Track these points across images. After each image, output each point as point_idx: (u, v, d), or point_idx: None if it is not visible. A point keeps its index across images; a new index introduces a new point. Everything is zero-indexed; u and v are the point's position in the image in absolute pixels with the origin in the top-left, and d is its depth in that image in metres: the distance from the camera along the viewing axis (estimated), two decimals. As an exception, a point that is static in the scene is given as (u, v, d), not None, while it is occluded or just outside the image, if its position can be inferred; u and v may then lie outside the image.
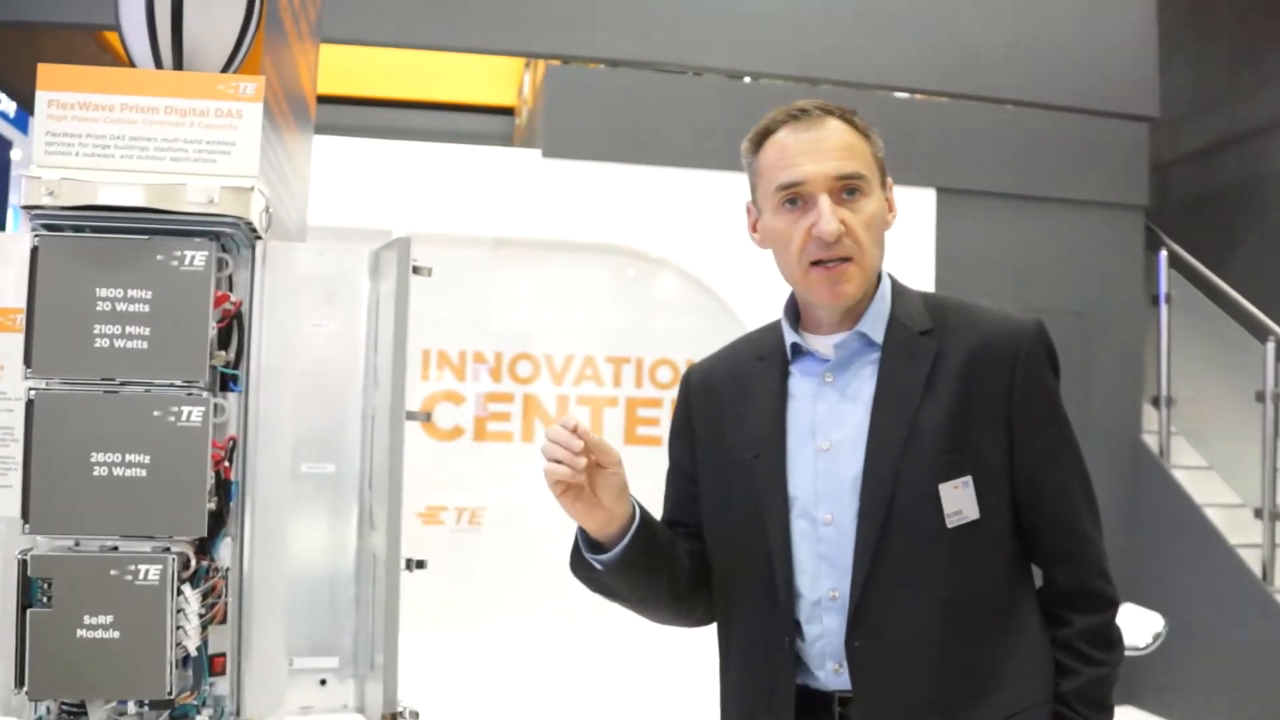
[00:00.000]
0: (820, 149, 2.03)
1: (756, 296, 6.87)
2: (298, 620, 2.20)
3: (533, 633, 6.57)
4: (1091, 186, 7.60)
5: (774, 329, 2.24)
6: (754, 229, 2.20)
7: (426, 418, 2.34)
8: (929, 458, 2.00)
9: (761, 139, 2.12)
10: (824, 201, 2.00)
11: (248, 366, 2.05)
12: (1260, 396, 6.77)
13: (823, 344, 2.12)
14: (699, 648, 6.43)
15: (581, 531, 2.10)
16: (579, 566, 2.14)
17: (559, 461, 1.95)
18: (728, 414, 2.19)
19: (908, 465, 2.00)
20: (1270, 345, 6.79)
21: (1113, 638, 2.12)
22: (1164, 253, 7.78)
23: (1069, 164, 7.60)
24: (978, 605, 2.03)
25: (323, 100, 7.40)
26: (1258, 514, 6.75)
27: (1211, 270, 7.80)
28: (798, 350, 2.15)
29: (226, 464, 2.00)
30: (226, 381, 2.02)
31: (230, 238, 2.00)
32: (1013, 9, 7.63)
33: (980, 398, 2.04)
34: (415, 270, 2.16)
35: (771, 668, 2.06)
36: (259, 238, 2.06)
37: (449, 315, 6.65)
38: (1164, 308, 7.70)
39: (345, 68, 7.69)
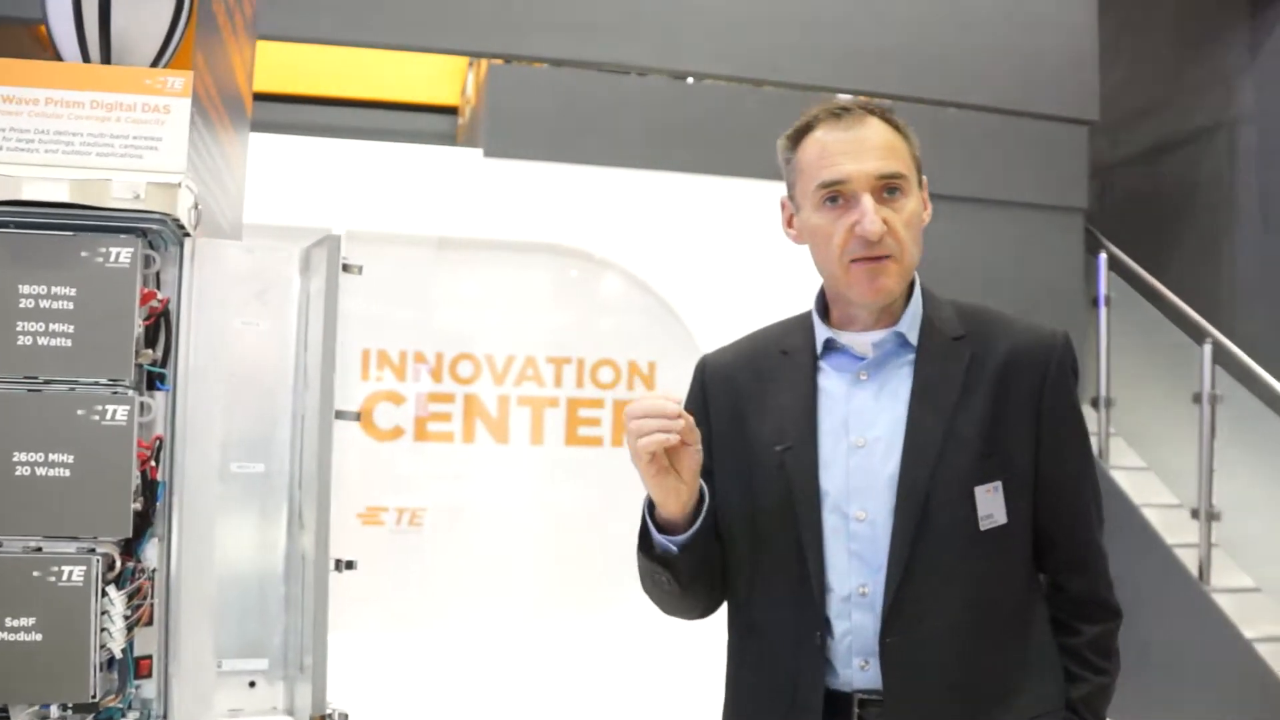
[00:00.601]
0: (862, 148, 2.06)
1: (698, 296, 6.89)
2: (226, 622, 2.17)
3: (473, 634, 6.54)
4: (1032, 189, 7.64)
5: (797, 324, 2.26)
6: (789, 224, 2.23)
7: (357, 417, 2.32)
8: (965, 461, 2.04)
9: (801, 136, 2.15)
10: (867, 201, 2.03)
11: (175, 365, 2.02)
12: (1197, 398, 6.84)
13: (860, 341, 2.13)
14: (639, 651, 6.44)
15: (649, 517, 2.08)
16: (647, 551, 2.11)
17: (652, 432, 1.91)
18: (749, 406, 2.19)
19: (944, 467, 2.03)
20: (1207, 347, 6.86)
21: (1114, 647, 2.19)
22: (1103, 255, 7.84)
23: (1009, 166, 7.65)
24: (1002, 608, 2.08)
25: (264, 98, 7.37)
26: (1194, 514, 6.81)
27: (1150, 273, 7.87)
28: (830, 346, 2.16)
29: (153, 464, 1.97)
30: (153, 380, 1.99)
31: (157, 234, 1.98)
32: (954, 12, 7.66)
33: (1011, 405, 2.08)
34: (345, 268, 2.14)
35: (798, 663, 2.06)
36: (187, 235, 2.04)
37: (390, 315, 6.60)
38: (1103, 310, 7.75)
39: (288, 65, 7.63)
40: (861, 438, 2.08)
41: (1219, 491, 6.78)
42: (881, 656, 2.00)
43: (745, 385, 2.22)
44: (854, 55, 7.41)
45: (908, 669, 2.00)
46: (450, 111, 8.39)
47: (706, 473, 2.19)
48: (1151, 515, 7.04)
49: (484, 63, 7.10)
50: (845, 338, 2.14)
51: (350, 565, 2.32)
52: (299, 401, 2.21)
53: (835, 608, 2.04)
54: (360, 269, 2.27)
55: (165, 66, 2.14)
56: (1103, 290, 7.77)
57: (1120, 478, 7.38)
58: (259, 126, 6.10)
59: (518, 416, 6.74)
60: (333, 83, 8.20)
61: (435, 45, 6.99)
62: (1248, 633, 6.25)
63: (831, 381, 2.14)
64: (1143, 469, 7.59)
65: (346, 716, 2.22)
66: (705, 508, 2.06)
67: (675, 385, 6.77)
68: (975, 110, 7.65)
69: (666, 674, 6.53)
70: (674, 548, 2.06)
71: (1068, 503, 2.15)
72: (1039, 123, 7.72)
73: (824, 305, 2.21)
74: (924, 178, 2.17)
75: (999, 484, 2.05)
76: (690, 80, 7.38)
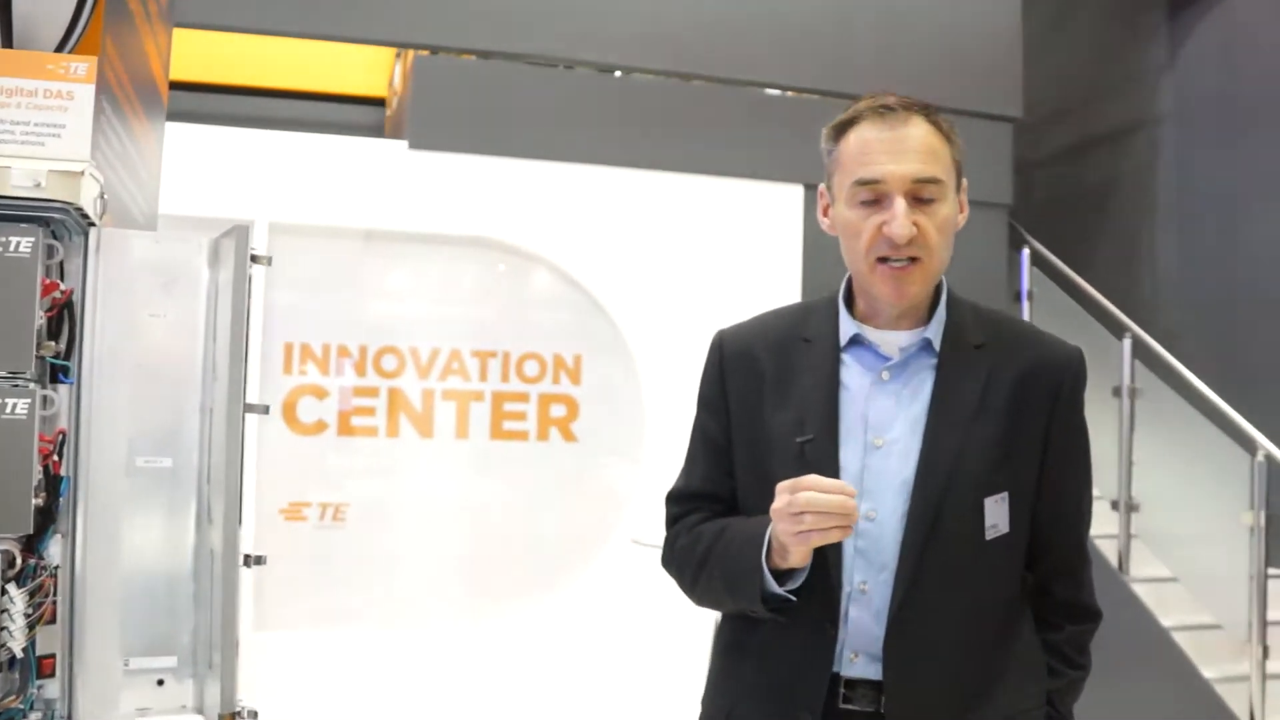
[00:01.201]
0: (902, 149, 2.05)
1: (624, 290, 6.88)
2: (133, 619, 2.13)
3: (398, 630, 6.50)
4: (956, 185, 7.68)
5: (819, 310, 2.25)
6: (824, 213, 2.21)
7: (266, 410, 2.27)
8: (978, 471, 2.06)
9: (844, 129, 2.14)
10: (899, 204, 2.02)
11: (80, 357, 1.98)
12: (1117, 392, 6.91)
13: (887, 341, 2.13)
14: (564, 643, 6.44)
15: (766, 568, 2.03)
16: (763, 602, 2.06)
17: (831, 528, 1.89)
18: (768, 390, 2.18)
19: (958, 475, 2.05)
20: (1127, 342, 6.94)
21: (1089, 645, 2.26)
22: (1026, 251, 7.92)
23: (934, 163, 7.69)
24: (998, 613, 2.12)
25: (188, 87, 7.29)
26: (1114, 506, 6.90)
27: (1071, 268, 7.95)
28: (854, 340, 2.16)
29: (56, 458, 1.93)
30: (56, 373, 1.95)
31: (60, 224, 1.93)
32: (879, 9, 7.70)
33: (1025, 419, 2.11)
34: (254, 259, 2.10)
35: (805, 653, 2.07)
36: (92, 224, 1.99)
37: (312, 308, 6.55)
38: (1026, 304, 7.84)
39: (218, 54, 7.54)
40: (880, 438, 2.09)
41: (1138, 483, 6.86)
42: (885, 654, 2.03)
43: (765, 367, 2.21)
44: (779, 50, 7.42)
45: (908, 668, 2.02)
46: (379, 103, 8.33)
47: (725, 454, 2.24)
48: (1073, 507, 7.10)
49: (411, 54, 7.05)
50: (872, 335, 2.15)
51: (259, 561, 2.28)
52: (208, 394, 2.16)
53: (839, 602, 2.06)
54: (269, 260, 2.23)
55: (71, 52, 2.10)
56: (1025, 285, 7.85)
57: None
58: (185, 117, 6.05)
59: (442, 410, 6.70)
60: (264, 73, 8.12)
61: (360, 35, 6.93)
62: (1165, 621, 6.34)
63: (853, 376, 2.15)
64: (1064, 461, 7.66)
65: (256, 714, 2.18)
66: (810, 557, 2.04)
67: (608, 377, 6.79)
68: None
69: (592, 664, 6.53)
70: (792, 598, 2.04)
71: (1066, 515, 2.20)
72: (963, 119, 7.68)
73: (849, 294, 2.21)
74: (964, 180, 2.17)
75: (1006, 494, 2.08)
76: (618, 73, 7.36)
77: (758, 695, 2.13)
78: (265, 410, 2.29)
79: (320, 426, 6.52)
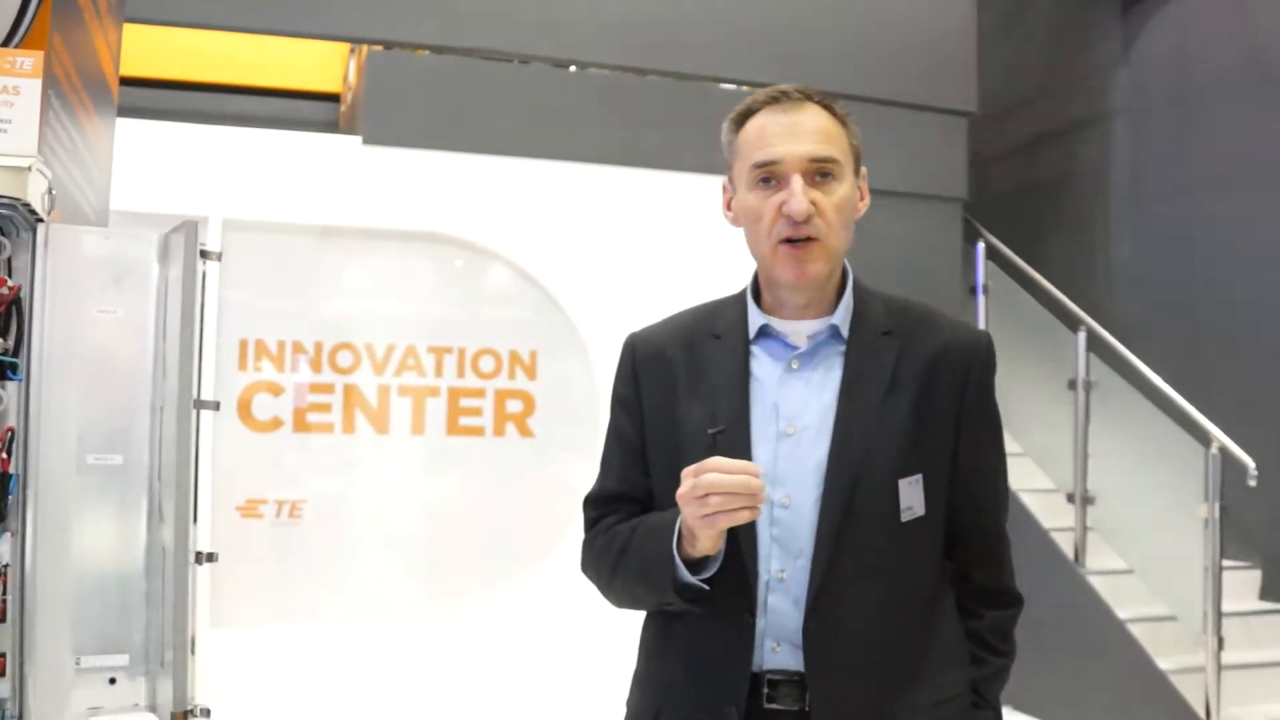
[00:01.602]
0: (797, 131, 2.08)
1: (580, 285, 6.87)
2: (85, 617, 2.11)
3: (355, 627, 6.48)
4: (911, 179, 7.72)
5: (727, 306, 2.26)
6: (728, 207, 2.24)
7: (217, 407, 2.27)
8: (890, 453, 2.07)
9: (742, 119, 2.16)
10: (796, 181, 2.05)
11: (29, 354, 1.97)
12: (1072, 385, 6.96)
13: (795, 330, 2.15)
14: (522, 639, 6.43)
15: (678, 556, 2.03)
16: (673, 590, 2.05)
17: (739, 509, 1.87)
18: (681, 388, 2.19)
19: (871, 458, 2.06)
20: (1081, 335, 6.99)
21: (1012, 632, 2.26)
22: (981, 245, 7.95)
23: (889, 157, 7.70)
24: (917, 596, 2.12)
25: (141, 83, 7.24)
26: (1070, 499, 6.95)
27: (1026, 262, 8.00)
28: (763, 332, 2.17)
29: (4, 456, 1.92)
30: (4, 370, 1.93)
31: (7, 220, 1.92)
32: (835, 4, 7.70)
33: (935, 402, 2.12)
34: (204, 254, 2.09)
35: (726, 644, 2.07)
36: (40, 220, 1.98)
37: (267, 304, 6.51)
38: (981, 298, 7.87)
39: (169, 48, 7.49)
40: (791, 425, 2.10)
41: (1093, 476, 6.91)
42: (804, 642, 2.03)
43: (677, 365, 2.22)
44: (735, 45, 7.43)
45: (828, 654, 2.02)
46: (333, 99, 8.30)
47: (640, 454, 2.24)
48: (1028, 500, 7.16)
49: (364, 49, 7.01)
50: (780, 325, 2.16)
51: (211, 558, 2.27)
52: (158, 391, 2.15)
53: (757, 591, 2.06)
54: (220, 255, 2.22)
55: (17, 47, 2.08)
56: (980, 279, 7.89)
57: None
58: (137, 112, 6.01)
59: (398, 406, 6.68)
60: (217, 68, 8.07)
61: (313, 30, 6.89)
62: (1121, 613, 6.38)
63: (763, 367, 2.16)
64: (1019, 454, 7.72)
65: (209, 712, 2.17)
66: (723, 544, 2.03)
67: (564, 373, 6.77)
68: (855, 100, 7.60)
69: (550, 658, 6.52)
70: (704, 586, 2.04)
71: (981, 497, 2.21)
72: (918, 114, 7.80)
73: (756, 289, 2.22)
74: (863, 168, 2.19)
75: (920, 477, 2.09)
76: (573, 68, 7.35)
77: (682, 692, 2.13)
78: (216, 407, 2.28)
79: (276, 423, 6.48)
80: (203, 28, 6.81)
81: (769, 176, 2.08)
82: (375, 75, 6.81)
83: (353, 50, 7.56)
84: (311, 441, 6.57)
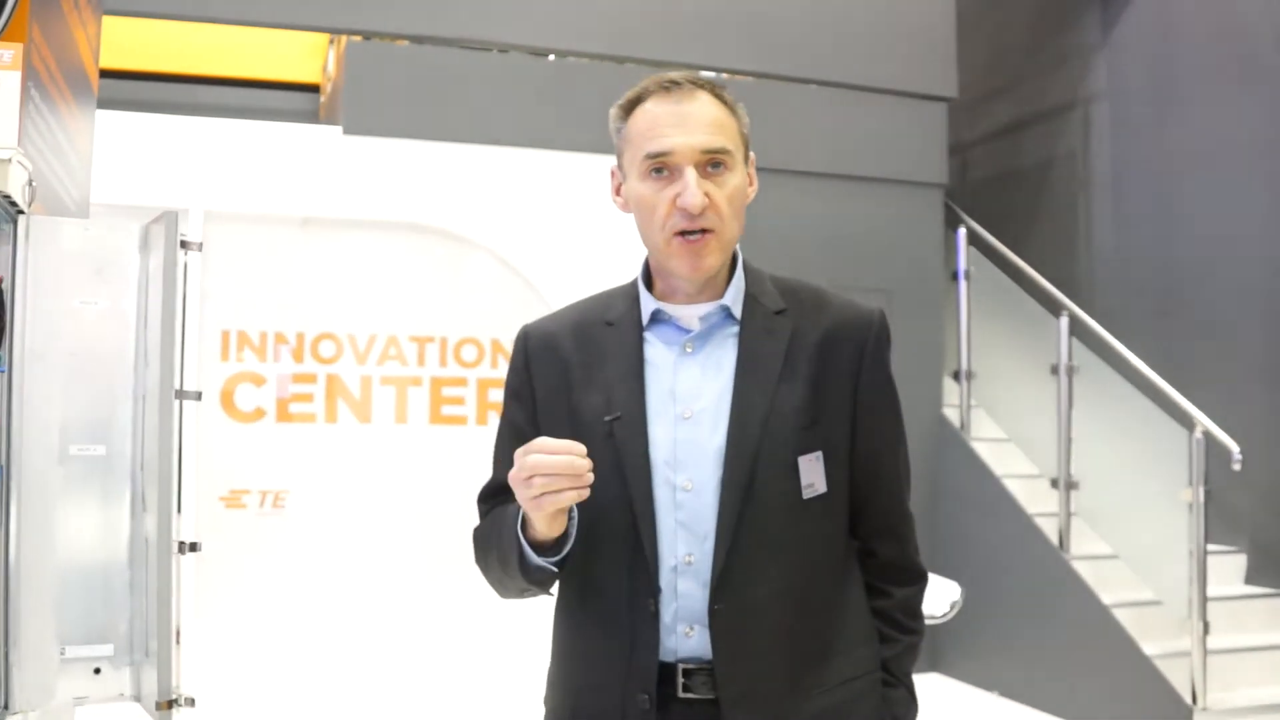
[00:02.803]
0: (689, 122, 2.06)
1: (561, 273, 6.87)
2: (69, 608, 2.11)
3: (339, 615, 6.48)
4: (893, 165, 7.73)
5: (620, 295, 2.25)
6: (617, 193, 2.21)
7: (199, 397, 2.26)
8: (788, 432, 2.06)
9: (632, 106, 2.13)
10: (690, 174, 2.03)
11: (10, 346, 1.96)
12: (1054, 370, 6.97)
13: (686, 314, 2.14)
14: (506, 627, 6.43)
15: (522, 540, 2.02)
16: (527, 574, 2.06)
17: (564, 490, 1.87)
18: (575, 377, 2.18)
19: (769, 438, 2.05)
20: (1063, 320, 6.99)
21: (920, 609, 2.25)
22: (962, 230, 7.95)
23: (871, 143, 7.73)
24: (823, 574, 2.12)
25: (122, 75, 7.21)
26: (1054, 484, 6.96)
27: (1008, 247, 8.00)
28: (656, 318, 2.16)
29: (-14, 447, 1.91)
30: (-14, 361, 1.93)
31: (-13, 211, 1.91)
32: (817, -9, 7.72)
33: (830, 379, 2.12)
34: (184, 244, 2.08)
35: (633, 632, 2.06)
36: (21, 212, 1.97)
37: (249, 295, 6.51)
38: (963, 284, 7.88)
39: (149, 40, 7.47)
40: (688, 409, 2.09)
41: (1077, 461, 6.93)
42: (711, 623, 2.02)
43: (570, 355, 2.21)
44: (716, 33, 7.43)
45: (736, 635, 2.02)
46: (313, 89, 8.28)
47: (529, 441, 2.21)
48: (1012, 485, 7.17)
49: (344, 39, 7.00)
50: (671, 310, 2.16)
51: (194, 548, 2.27)
52: (140, 382, 2.14)
53: (664, 577, 2.05)
54: (200, 246, 2.21)
55: (-5, 38, 2.07)
56: (962, 265, 7.89)
57: (982, 449, 7.52)
58: (118, 104, 5.99)
59: (381, 396, 6.68)
60: (198, 60, 8.05)
61: (292, 21, 6.87)
62: (1105, 598, 6.39)
63: (658, 353, 2.15)
64: (1003, 440, 7.74)
65: (193, 701, 2.17)
66: (574, 524, 2.03)
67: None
68: (836, 88, 7.71)
69: (534, 645, 6.52)
70: (553, 568, 2.04)
71: (881, 472, 2.21)
72: (899, 100, 7.81)
73: (648, 276, 2.22)
74: (751, 154, 2.18)
75: (820, 454, 2.09)
76: (551, 57, 7.34)
77: (595, 684, 2.13)
78: (198, 397, 2.28)
79: (259, 414, 6.48)
80: (182, 19, 6.80)
81: (661, 167, 2.06)
82: (355, 65, 6.80)
83: (332, 41, 7.54)
84: (294, 432, 6.57)
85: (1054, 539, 6.79)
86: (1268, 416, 6.88)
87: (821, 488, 2.09)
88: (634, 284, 2.24)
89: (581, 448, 1.88)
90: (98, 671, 2.16)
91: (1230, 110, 7.35)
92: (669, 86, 2.09)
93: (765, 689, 2.03)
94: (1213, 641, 6.03)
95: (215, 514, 6.22)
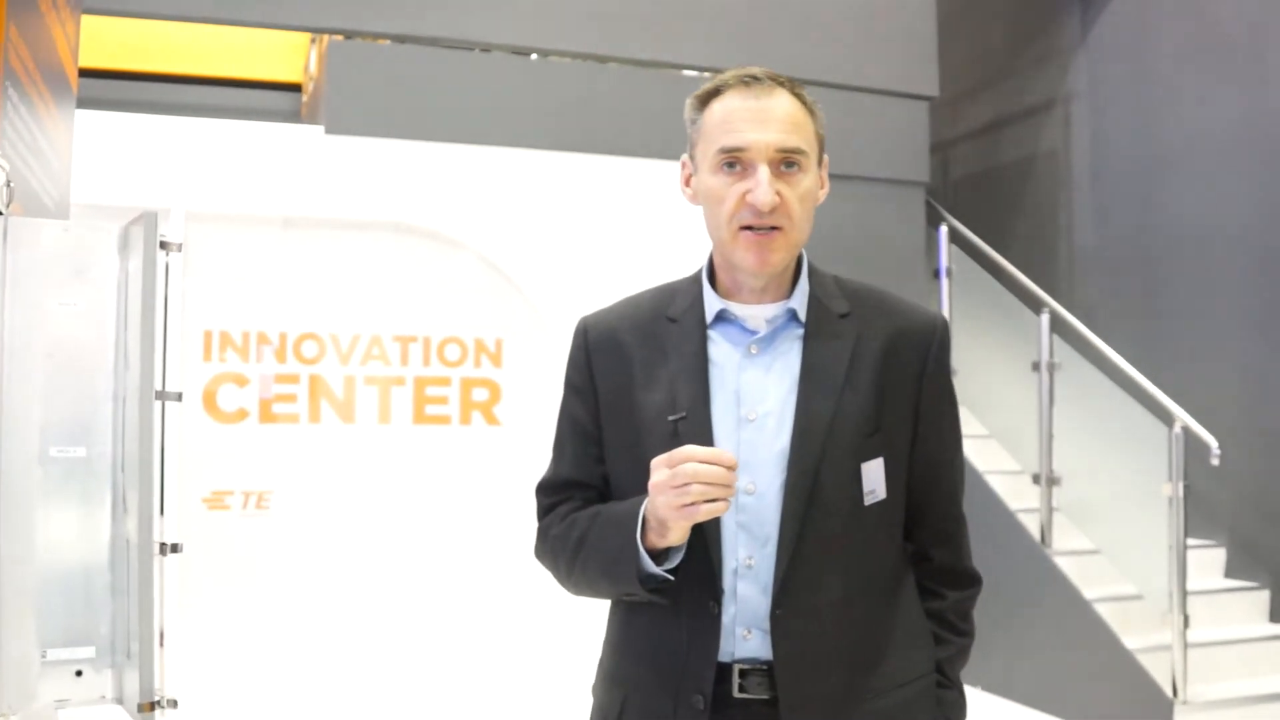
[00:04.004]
0: (767, 119, 2.04)
1: (544, 272, 6.87)
2: (50, 610, 2.10)
3: (323, 616, 6.47)
4: (874, 163, 7.73)
5: (682, 290, 2.23)
6: (686, 184, 2.20)
7: (179, 398, 2.25)
8: (852, 437, 2.06)
9: (709, 98, 2.12)
10: (763, 171, 2.02)
11: (-11, 347, 1.96)
12: (1036, 367, 6.99)
13: (754, 315, 2.13)
14: (489, 625, 6.42)
15: (642, 548, 2.00)
16: (642, 583, 2.03)
17: (715, 496, 1.86)
18: (637, 373, 2.17)
19: (833, 443, 2.05)
20: (1044, 317, 7.01)
21: (972, 612, 2.26)
22: (944, 228, 7.97)
23: (852, 141, 7.72)
24: (880, 579, 2.12)
25: (101, 74, 7.19)
26: (1035, 480, 6.98)
27: (989, 245, 8.02)
28: (721, 316, 2.15)
29: (-34, 449, 1.90)
30: (-35, 363, 1.92)
31: (-36, 212, 1.90)
32: (797, -11, 7.73)
33: (893, 384, 2.12)
34: (164, 245, 2.08)
35: (691, 632, 2.06)
36: (-1, 213, 1.97)
37: (231, 295, 6.50)
38: (944, 281, 7.89)
39: (128, 39, 7.44)
40: (753, 411, 2.08)
41: (1058, 457, 6.95)
42: (771, 627, 2.02)
43: (632, 350, 2.20)
44: (697, 31, 7.42)
45: (796, 640, 2.02)
46: (295, 89, 8.26)
47: (594, 440, 2.22)
48: (994, 481, 7.19)
49: (325, 38, 6.98)
50: (738, 309, 2.15)
51: (175, 549, 2.26)
52: (120, 383, 2.14)
53: (724, 579, 2.05)
54: (180, 246, 2.21)
55: (-27, 39, 2.06)
56: (944, 262, 7.91)
57: (964, 445, 7.53)
58: (98, 104, 5.97)
59: (364, 396, 6.67)
60: (178, 59, 8.03)
61: (273, 20, 6.84)
62: (1087, 593, 6.41)
63: (722, 352, 2.14)
64: (985, 436, 7.76)
65: (175, 703, 2.16)
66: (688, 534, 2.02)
67: (524, 360, 6.78)
68: (817, 86, 7.62)
69: (516, 645, 6.53)
70: (669, 577, 2.02)
71: (940, 479, 2.22)
72: (880, 98, 7.81)
73: (712, 271, 2.21)
74: (825, 156, 2.17)
75: (881, 460, 2.09)
76: (534, 56, 7.33)
77: (648, 682, 2.12)
78: (179, 398, 2.27)
79: (241, 414, 6.47)
80: (162, 18, 6.76)
81: (735, 162, 2.05)
82: (336, 65, 6.78)
83: (313, 40, 7.52)
84: (278, 432, 6.56)
85: (1036, 534, 6.81)
86: (1246, 411, 6.91)
87: (882, 494, 2.09)
88: (696, 279, 2.22)
89: (733, 459, 1.88)
90: (79, 674, 2.15)
91: (1208, 108, 7.38)
92: (749, 81, 2.08)
93: (824, 692, 2.04)
94: (1193, 634, 6.06)
95: (198, 515, 6.21)
